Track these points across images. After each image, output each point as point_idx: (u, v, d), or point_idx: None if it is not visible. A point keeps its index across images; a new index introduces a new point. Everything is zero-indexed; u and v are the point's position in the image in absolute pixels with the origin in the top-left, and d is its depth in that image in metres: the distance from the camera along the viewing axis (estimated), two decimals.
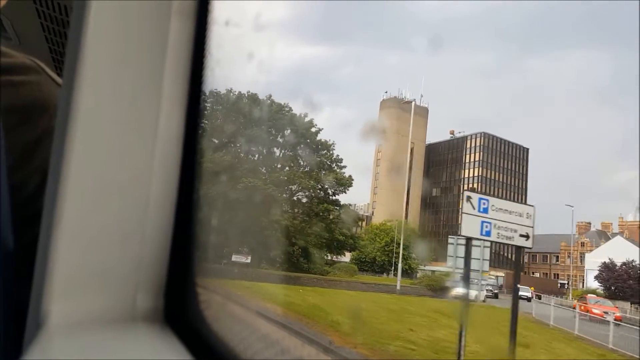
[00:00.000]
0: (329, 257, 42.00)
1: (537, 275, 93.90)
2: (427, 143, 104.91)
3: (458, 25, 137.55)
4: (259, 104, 40.44)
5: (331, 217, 38.92)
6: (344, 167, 42.79)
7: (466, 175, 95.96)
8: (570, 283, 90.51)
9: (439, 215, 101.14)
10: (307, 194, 38.23)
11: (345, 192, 42.27)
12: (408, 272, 69.73)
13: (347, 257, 49.19)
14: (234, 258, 37.16)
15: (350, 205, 42.91)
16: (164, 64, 0.77)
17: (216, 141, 39.10)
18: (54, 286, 0.69)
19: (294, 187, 39.73)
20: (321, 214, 38.12)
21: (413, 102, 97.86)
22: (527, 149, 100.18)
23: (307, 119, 42.44)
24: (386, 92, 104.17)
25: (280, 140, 40.88)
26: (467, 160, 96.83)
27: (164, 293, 0.77)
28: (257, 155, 39.26)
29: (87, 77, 0.71)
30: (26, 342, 0.72)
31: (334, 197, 41.20)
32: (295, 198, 39.18)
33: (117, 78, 0.74)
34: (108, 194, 0.73)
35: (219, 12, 0.84)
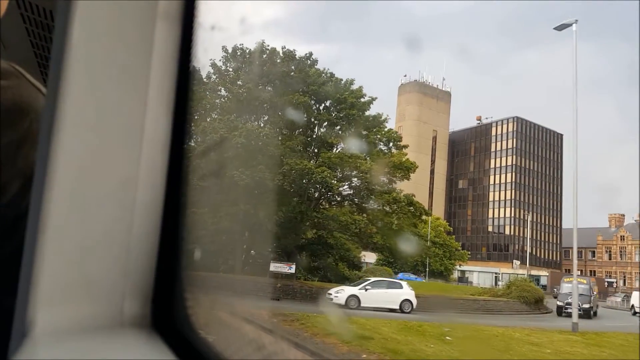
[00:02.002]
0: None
1: (578, 273, 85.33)
2: (450, 131, 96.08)
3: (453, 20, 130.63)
4: (296, 64, 31.05)
5: (397, 209, 29.65)
6: (405, 146, 33.53)
7: (497, 165, 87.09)
8: (617, 281, 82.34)
9: (465, 209, 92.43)
10: (364, 181, 28.94)
11: (408, 179, 33.03)
12: (444, 274, 60.84)
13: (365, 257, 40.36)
14: (273, 267, 28.02)
15: (413, 195, 33.67)
16: (150, 67, 0.76)
17: (235, 119, 29.74)
18: (40, 294, 0.67)
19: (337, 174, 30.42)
20: (386, 207, 28.88)
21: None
22: (562, 135, 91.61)
23: (354, 86, 33.11)
24: (405, 75, 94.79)
25: (324, 112, 31.49)
26: (498, 149, 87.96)
27: (151, 299, 0.76)
28: (297, 130, 29.90)
29: (72, 81, 0.70)
30: (11, 351, 0.69)
31: (390, 186, 32.00)
32: (347, 185, 29.85)
33: (102, 82, 0.73)
34: (94, 200, 0.72)
35: (205, 15, 0.82)
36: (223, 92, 29.58)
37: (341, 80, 32.92)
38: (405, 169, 31.30)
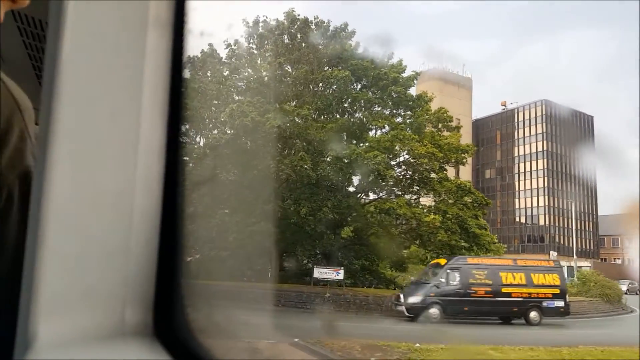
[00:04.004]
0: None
1: (619, 262, 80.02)
2: (473, 118, 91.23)
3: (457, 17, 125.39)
4: (331, 36, 26.79)
5: (457, 199, 25.29)
6: (458, 127, 29.22)
7: (527, 152, 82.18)
8: None
9: (494, 200, 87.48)
10: (420, 168, 24.63)
11: (463, 164, 28.72)
12: None
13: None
14: (317, 273, 23.81)
15: (470, 182, 29.34)
16: (143, 74, 0.76)
17: (267, 101, 25.55)
18: (41, 305, 0.68)
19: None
20: (444, 196, 24.58)
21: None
22: (592, 117, 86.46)
23: (392, 60, 28.84)
24: (423, 62, 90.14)
25: (363, 90, 27.18)
26: (526, 134, 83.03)
27: (152, 307, 0.77)
28: (335, 112, 25.58)
29: (65, 91, 0.71)
30: None
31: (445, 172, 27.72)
32: (399, 173, 25.48)
33: (95, 92, 0.73)
34: (92, 210, 0.72)
35: (195, 21, 0.82)
36: (248, 72, 25.42)
37: (377, 54, 28.69)
38: (462, 153, 26.97)
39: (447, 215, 24.88)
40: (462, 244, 26.04)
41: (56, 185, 0.68)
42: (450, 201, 25.89)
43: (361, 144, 24.78)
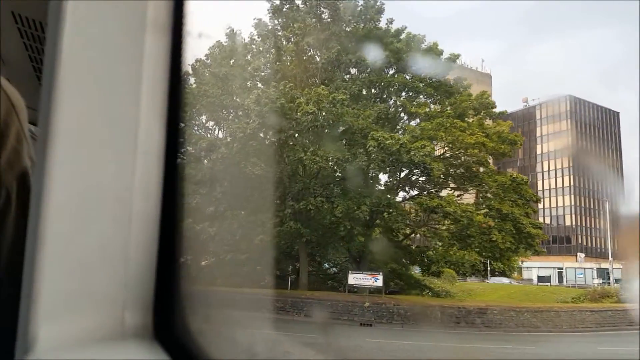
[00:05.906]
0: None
1: None
2: None
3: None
4: (361, 14, 24.07)
5: (506, 196, 22.40)
6: (503, 113, 26.40)
7: (552, 149, 78.80)
8: None
9: None
10: (466, 159, 21.85)
11: (510, 157, 25.92)
12: (506, 274, 53.15)
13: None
14: (353, 279, 21.12)
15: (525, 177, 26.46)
16: (141, 77, 0.77)
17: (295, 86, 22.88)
18: (41, 308, 0.68)
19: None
20: (500, 193, 21.72)
21: None
22: (618, 113, 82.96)
23: (429, 40, 26.06)
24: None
25: (398, 74, 24.42)
26: (550, 132, 79.66)
27: (152, 309, 0.78)
28: (371, 98, 22.86)
29: (65, 93, 0.72)
30: None
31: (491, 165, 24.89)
32: (444, 167, 22.61)
33: (95, 93, 0.74)
34: (91, 213, 0.73)
35: (193, 24, 0.83)
36: (272, 54, 22.83)
37: (413, 35, 25.89)
38: (510, 144, 24.11)
39: (491, 213, 21.96)
40: (509, 245, 22.95)
41: (55, 187, 0.68)
42: (506, 196, 22.94)
43: (398, 133, 22.05)
